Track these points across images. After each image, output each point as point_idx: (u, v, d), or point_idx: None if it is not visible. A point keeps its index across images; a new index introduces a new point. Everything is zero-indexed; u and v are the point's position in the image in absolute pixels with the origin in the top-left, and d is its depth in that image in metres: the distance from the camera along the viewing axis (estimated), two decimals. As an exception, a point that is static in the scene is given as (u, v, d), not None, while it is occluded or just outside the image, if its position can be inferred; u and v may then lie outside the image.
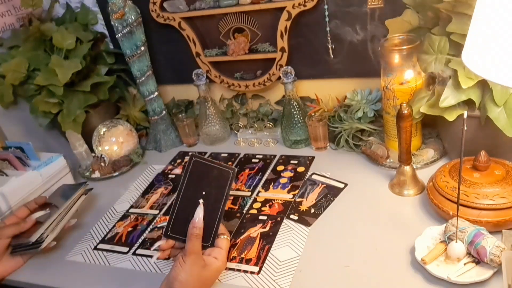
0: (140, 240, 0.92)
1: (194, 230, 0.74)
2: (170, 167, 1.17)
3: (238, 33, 1.15)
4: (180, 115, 1.25)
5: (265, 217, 0.91)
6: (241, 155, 1.15)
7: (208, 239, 0.76)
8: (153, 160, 1.22)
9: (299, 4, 1.01)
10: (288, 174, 1.03)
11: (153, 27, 1.19)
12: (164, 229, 0.77)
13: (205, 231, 0.75)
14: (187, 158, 1.19)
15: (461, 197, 0.73)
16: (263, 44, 1.13)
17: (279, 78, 1.10)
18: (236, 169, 0.80)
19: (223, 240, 0.77)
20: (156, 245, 0.78)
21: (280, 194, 0.97)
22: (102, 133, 1.22)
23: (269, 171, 1.06)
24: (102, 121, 1.24)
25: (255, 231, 0.88)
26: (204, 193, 0.77)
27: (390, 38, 0.92)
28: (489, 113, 0.77)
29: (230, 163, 1.12)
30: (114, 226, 0.99)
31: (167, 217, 0.79)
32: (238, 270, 0.79)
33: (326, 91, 1.12)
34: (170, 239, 0.77)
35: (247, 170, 1.08)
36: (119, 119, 1.27)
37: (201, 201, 0.76)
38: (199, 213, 0.75)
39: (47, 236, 0.88)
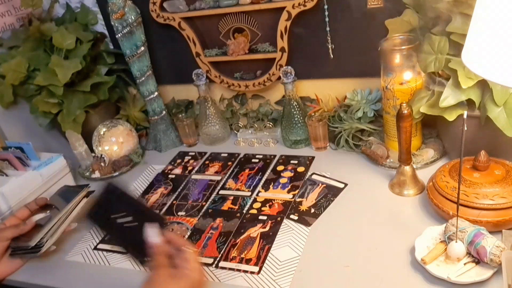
0: (140, 240, 0.92)
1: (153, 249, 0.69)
2: (170, 167, 1.17)
3: (238, 33, 1.15)
4: (180, 115, 1.25)
5: (265, 217, 0.91)
6: (241, 155, 1.15)
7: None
8: (153, 160, 1.22)
9: (299, 4, 1.01)
10: (288, 174, 1.03)
11: (153, 27, 1.19)
12: (138, 262, 0.74)
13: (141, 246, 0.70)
14: (187, 158, 1.19)
15: (461, 197, 0.73)
16: (263, 44, 1.13)
17: (279, 78, 1.10)
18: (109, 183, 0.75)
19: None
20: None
21: (280, 194, 0.97)
22: (102, 133, 1.22)
23: (269, 171, 1.06)
24: (102, 121, 1.24)
25: (255, 231, 0.88)
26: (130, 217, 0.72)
27: (390, 38, 0.92)
28: (489, 113, 0.77)
29: (230, 163, 1.12)
30: (114, 226, 0.99)
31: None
32: (238, 270, 0.79)
33: (326, 91, 1.12)
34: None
35: (247, 170, 1.08)
36: (119, 119, 1.27)
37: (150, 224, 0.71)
38: (148, 232, 0.70)
39: (47, 240, 0.87)
